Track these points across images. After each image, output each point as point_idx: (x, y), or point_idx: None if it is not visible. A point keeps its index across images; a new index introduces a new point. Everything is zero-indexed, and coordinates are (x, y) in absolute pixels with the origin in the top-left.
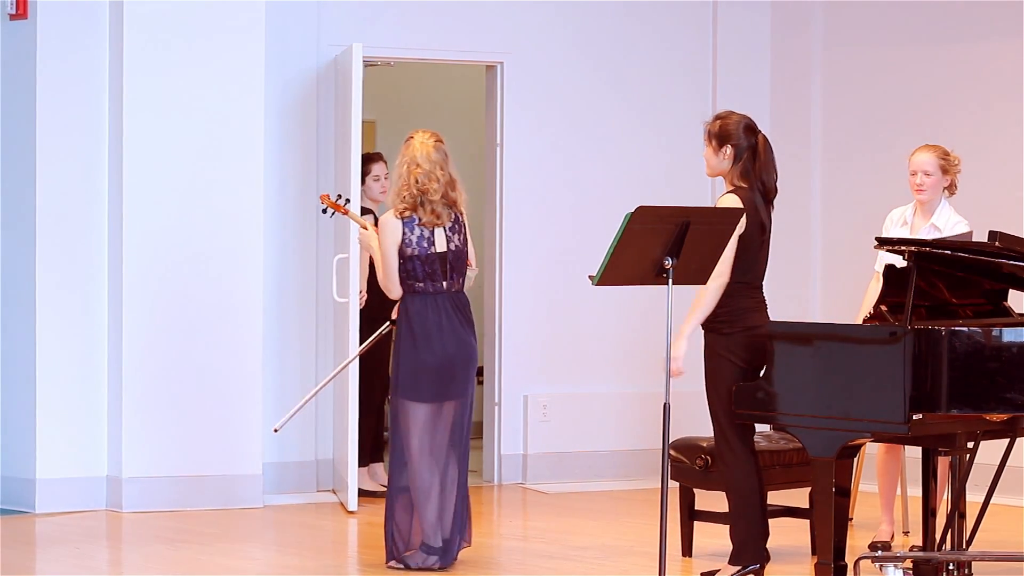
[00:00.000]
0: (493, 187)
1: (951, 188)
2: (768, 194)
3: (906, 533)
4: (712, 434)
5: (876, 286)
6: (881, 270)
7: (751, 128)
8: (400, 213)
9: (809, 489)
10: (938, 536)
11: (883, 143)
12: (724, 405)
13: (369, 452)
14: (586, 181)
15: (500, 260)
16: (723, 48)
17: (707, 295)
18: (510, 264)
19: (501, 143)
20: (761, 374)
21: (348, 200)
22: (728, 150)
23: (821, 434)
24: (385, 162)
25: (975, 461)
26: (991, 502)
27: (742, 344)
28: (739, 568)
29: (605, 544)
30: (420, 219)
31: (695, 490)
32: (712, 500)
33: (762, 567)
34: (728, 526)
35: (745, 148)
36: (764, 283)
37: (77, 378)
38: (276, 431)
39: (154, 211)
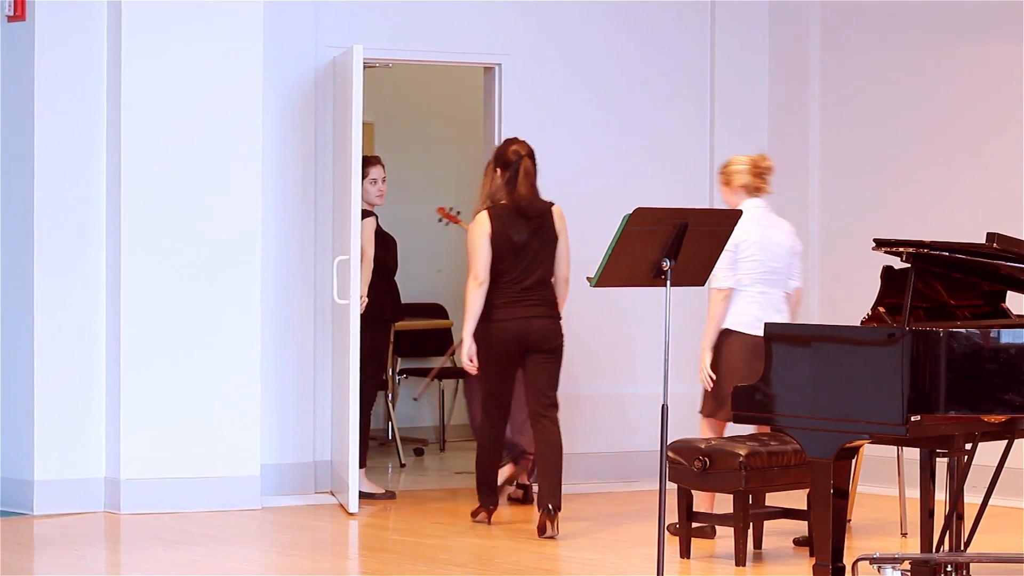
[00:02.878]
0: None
1: (749, 189)
2: (523, 211)
3: (904, 534)
4: (708, 436)
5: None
6: None
7: (516, 153)
8: None
9: (807, 490)
10: (936, 538)
11: (881, 145)
12: (482, 383)
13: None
14: (584, 182)
15: None
16: (721, 49)
17: (470, 297)
18: None
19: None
20: (759, 375)
21: (459, 212)
22: (499, 172)
23: (819, 435)
24: (383, 165)
25: (973, 463)
26: (989, 503)
27: (491, 333)
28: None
29: (603, 545)
30: None
31: (693, 491)
32: (710, 501)
33: (489, 510)
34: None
35: (508, 170)
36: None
37: (75, 379)
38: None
39: (152, 213)
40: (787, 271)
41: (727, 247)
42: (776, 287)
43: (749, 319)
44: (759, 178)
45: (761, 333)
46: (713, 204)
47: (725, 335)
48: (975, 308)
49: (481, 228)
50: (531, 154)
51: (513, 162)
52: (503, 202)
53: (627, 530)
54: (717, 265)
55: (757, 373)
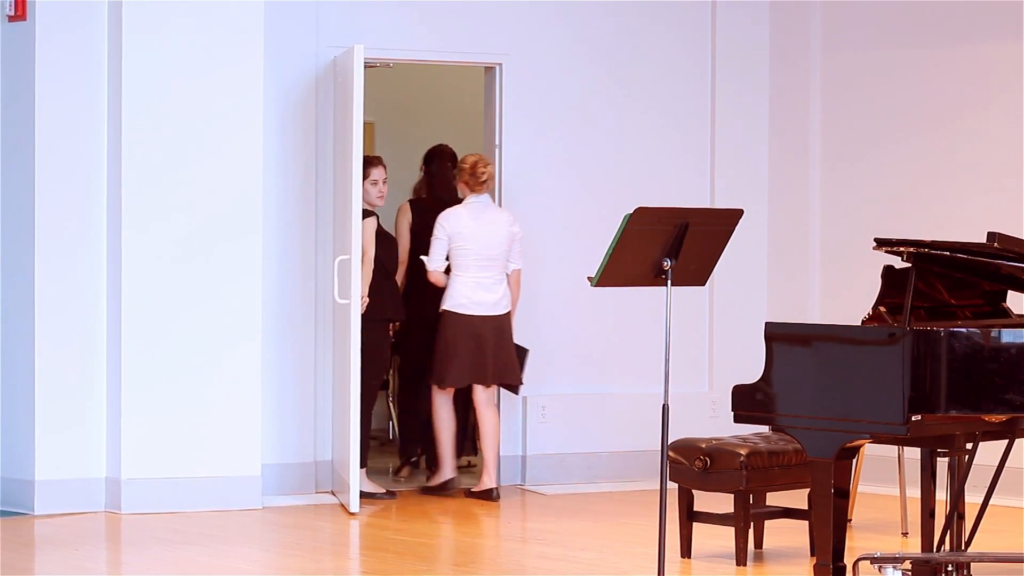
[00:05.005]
0: (492, 188)
1: (470, 186)
2: (438, 202)
3: (905, 534)
4: (709, 435)
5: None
6: None
7: (437, 155)
8: None
9: (808, 490)
10: (937, 537)
11: (882, 144)
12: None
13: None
14: (585, 182)
15: None
16: (722, 49)
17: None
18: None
19: (500, 144)
20: (760, 375)
21: None
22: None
23: (820, 435)
24: (384, 166)
25: (974, 462)
26: (990, 503)
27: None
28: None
29: (604, 545)
30: None
31: (694, 491)
32: (711, 501)
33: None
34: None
35: (428, 169)
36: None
37: (76, 379)
38: None
39: (153, 212)
40: (504, 256)
41: (441, 236)
42: (490, 271)
43: (464, 301)
44: (473, 178)
45: (473, 313)
46: (715, 203)
47: (443, 315)
48: (976, 308)
49: (403, 218)
50: (451, 156)
51: (433, 161)
52: (423, 196)
53: (627, 530)
54: (431, 248)
55: (469, 348)
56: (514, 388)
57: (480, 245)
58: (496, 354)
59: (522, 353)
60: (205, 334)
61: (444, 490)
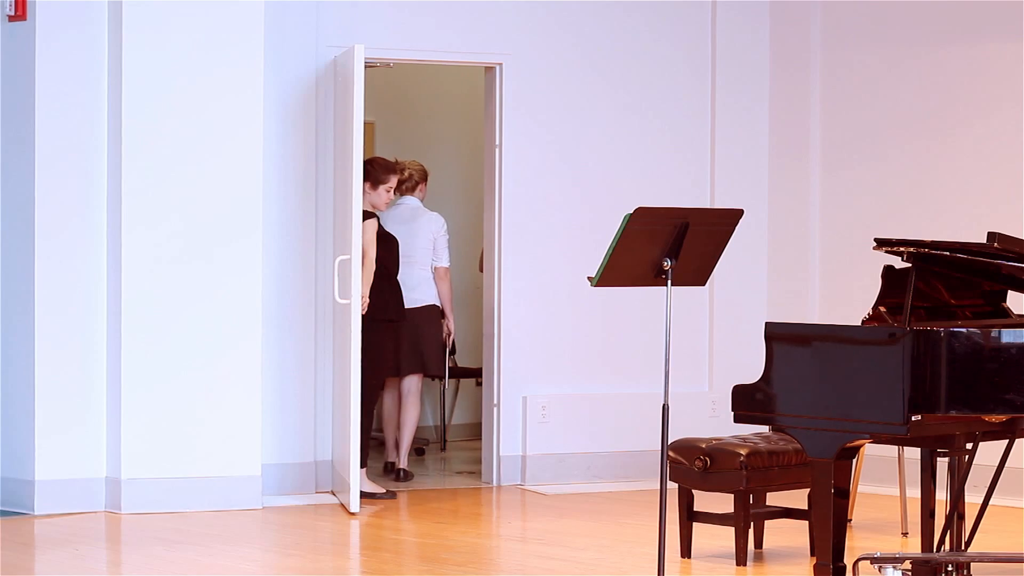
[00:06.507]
0: (492, 188)
1: (403, 190)
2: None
3: (905, 534)
4: (709, 435)
5: None
6: None
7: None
8: None
9: (808, 490)
10: (937, 537)
11: (882, 144)
12: None
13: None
14: (585, 182)
15: (499, 261)
16: (722, 49)
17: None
18: (509, 265)
19: (500, 144)
20: (760, 375)
21: None
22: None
23: (820, 435)
24: (400, 173)
25: (974, 462)
26: (990, 503)
27: None
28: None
29: (604, 545)
30: None
31: (694, 491)
32: (711, 501)
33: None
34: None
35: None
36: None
37: (76, 379)
38: None
39: (153, 212)
40: (426, 255)
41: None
42: (416, 267)
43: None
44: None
45: (408, 305)
46: (715, 202)
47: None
48: (976, 308)
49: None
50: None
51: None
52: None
53: (627, 530)
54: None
55: (388, 342)
56: (435, 375)
57: (406, 245)
58: (412, 346)
59: (442, 348)
60: (205, 334)
61: (400, 480)
